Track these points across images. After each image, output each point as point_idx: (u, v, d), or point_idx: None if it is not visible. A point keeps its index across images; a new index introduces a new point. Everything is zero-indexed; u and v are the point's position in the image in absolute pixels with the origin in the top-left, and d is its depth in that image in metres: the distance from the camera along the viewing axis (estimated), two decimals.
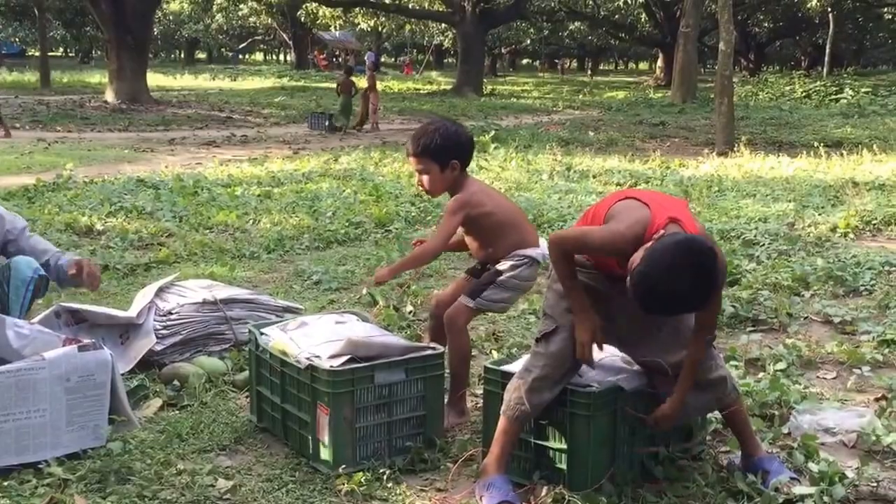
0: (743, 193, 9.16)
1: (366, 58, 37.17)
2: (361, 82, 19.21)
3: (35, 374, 3.15)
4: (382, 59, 36.13)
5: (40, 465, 3.11)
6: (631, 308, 2.78)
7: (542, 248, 3.60)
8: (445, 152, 3.58)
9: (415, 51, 60.61)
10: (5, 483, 3.00)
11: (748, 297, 5.21)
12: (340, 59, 56.98)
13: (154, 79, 25.64)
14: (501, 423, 3.01)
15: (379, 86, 20.21)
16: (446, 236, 3.62)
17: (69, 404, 3.21)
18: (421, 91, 29.58)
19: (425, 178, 3.63)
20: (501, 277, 3.57)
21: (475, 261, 3.80)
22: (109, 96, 21.35)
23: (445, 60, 62.93)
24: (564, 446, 3.03)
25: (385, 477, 3.13)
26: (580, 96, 30.15)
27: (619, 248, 2.81)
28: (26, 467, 3.11)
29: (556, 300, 3.05)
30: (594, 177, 10.53)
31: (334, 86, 19.13)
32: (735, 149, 13.28)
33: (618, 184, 10.04)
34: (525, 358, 3.25)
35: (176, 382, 3.90)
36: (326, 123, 16.48)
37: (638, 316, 2.85)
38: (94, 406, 3.28)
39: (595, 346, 2.99)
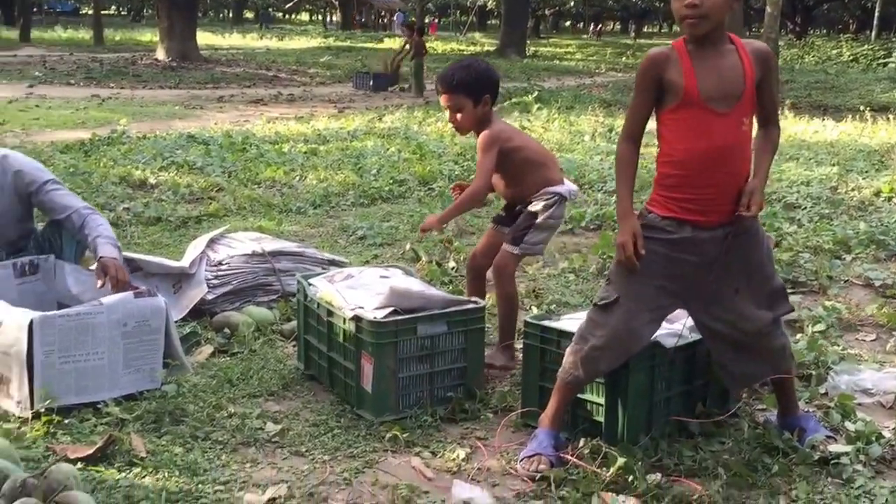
0: (786, 157, 9.02)
1: (394, 18, 36.72)
2: (395, 43, 19.05)
3: (94, 319, 3.24)
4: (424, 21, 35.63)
5: (99, 405, 3.20)
6: (712, 267, 2.77)
7: (567, 185, 3.58)
8: (479, 87, 3.61)
9: (458, 12, 60.05)
10: (66, 421, 3.10)
11: (788, 259, 5.16)
12: (385, 20, 56.65)
13: (203, 37, 25.70)
14: (557, 382, 3.01)
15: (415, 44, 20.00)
16: (488, 174, 3.60)
17: (126, 348, 3.30)
18: (464, 52, 29.35)
19: (458, 114, 3.64)
20: (538, 220, 3.57)
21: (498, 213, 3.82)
22: (160, 54, 21.49)
23: (489, 22, 62.33)
24: (602, 400, 3.05)
25: (426, 425, 3.19)
26: (623, 59, 29.74)
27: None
28: (86, 407, 3.20)
29: (617, 266, 2.90)
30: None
31: (390, 46, 18.87)
32: (779, 112, 13.03)
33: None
34: (570, 317, 3.27)
35: (226, 330, 3.98)
36: (371, 83, 16.37)
37: (718, 276, 2.83)
38: (150, 350, 3.36)
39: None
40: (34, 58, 20.69)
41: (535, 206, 3.59)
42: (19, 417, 3.13)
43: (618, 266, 2.90)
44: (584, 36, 42.63)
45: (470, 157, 7.98)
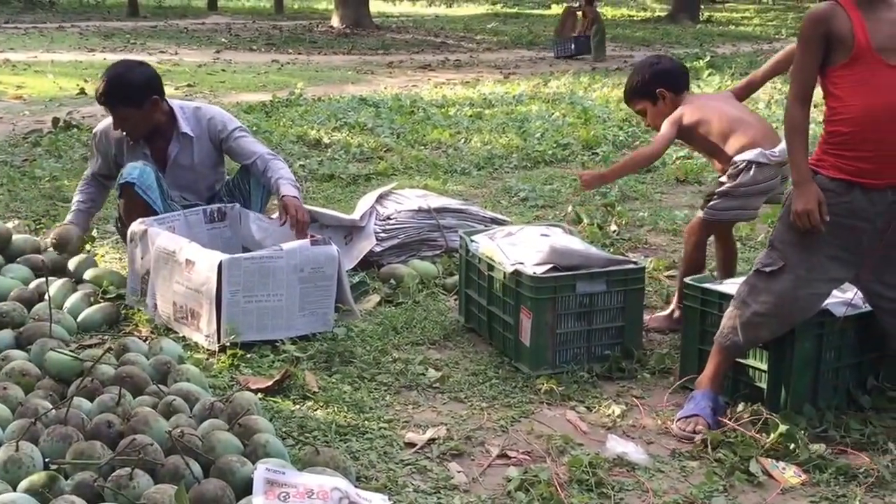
0: None
1: None
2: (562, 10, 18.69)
3: (274, 263, 3.45)
4: None
5: (276, 343, 3.42)
6: (884, 234, 2.70)
7: (759, 150, 3.45)
8: (647, 87, 3.64)
9: None
10: (248, 355, 3.33)
11: None
12: None
13: (375, 5, 26.19)
14: (714, 345, 2.98)
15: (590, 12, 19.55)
16: (663, 143, 3.60)
17: (302, 292, 3.50)
18: (634, 18, 28.61)
19: (648, 117, 3.71)
20: (722, 188, 3.51)
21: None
22: (335, 21, 22.10)
23: None
24: (765, 367, 2.99)
25: (582, 381, 3.23)
26: None
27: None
28: (265, 344, 3.43)
29: (785, 232, 2.81)
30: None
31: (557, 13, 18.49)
32: None
33: None
34: (732, 281, 3.21)
35: (392, 281, 4.13)
36: (572, 47, 16.09)
37: (888, 243, 2.74)
38: (323, 295, 3.55)
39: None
40: (220, 25, 21.73)
41: (723, 177, 3.53)
42: (207, 350, 3.39)
43: (789, 232, 2.80)
44: (764, 1, 40.49)
45: (635, 123, 7.85)
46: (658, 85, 3.62)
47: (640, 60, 3.83)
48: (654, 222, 5.28)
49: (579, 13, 16.58)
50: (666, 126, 3.57)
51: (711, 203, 3.54)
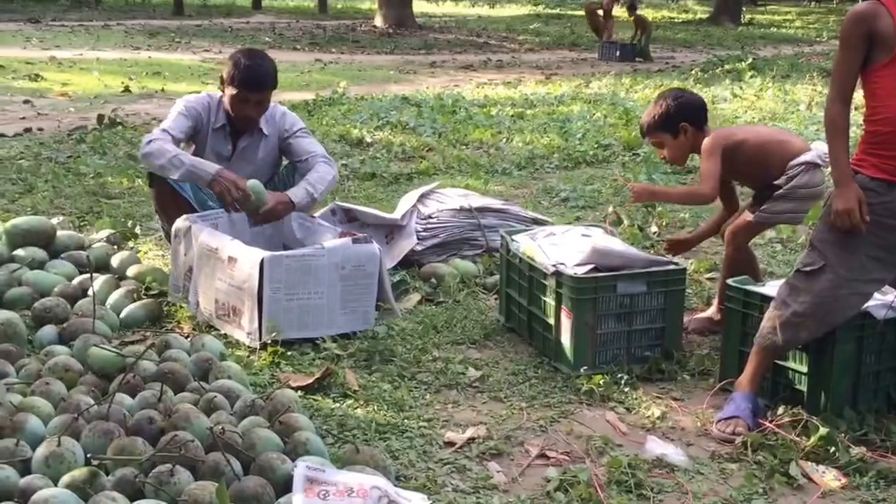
0: None
1: None
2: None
3: (316, 261, 3.45)
4: None
5: (317, 341, 3.42)
6: None
7: (814, 150, 3.40)
8: (670, 120, 3.56)
9: None
10: (289, 353, 3.34)
11: None
12: None
13: (418, 5, 26.22)
14: (754, 346, 2.94)
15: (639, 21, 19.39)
16: (712, 178, 3.47)
17: (343, 290, 3.50)
18: (675, 20, 28.34)
19: (665, 151, 3.64)
20: (779, 191, 3.44)
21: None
22: (378, 21, 22.17)
23: None
24: (805, 369, 2.94)
25: (622, 382, 3.19)
26: None
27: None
28: (306, 341, 3.43)
29: (825, 231, 2.79)
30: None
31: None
32: None
33: None
34: (774, 283, 3.15)
35: (433, 280, 4.12)
36: (617, 53, 16.03)
37: None
38: (364, 293, 3.55)
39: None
40: (264, 24, 21.89)
41: (780, 181, 3.46)
42: (249, 347, 3.41)
43: (829, 232, 2.77)
44: (805, 3, 39.92)
45: None
46: (682, 119, 3.56)
47: (662, 94, 3.72)
48: (694, 224, 5.19)
49: (600, 11, 16.49)
50: (708, 160, 3.48)
51: (765, 206, 3.48)
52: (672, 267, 3.40)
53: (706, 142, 3.52)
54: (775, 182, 3.45)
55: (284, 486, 2.26)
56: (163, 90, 10.53)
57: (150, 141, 3.82)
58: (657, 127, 3.61)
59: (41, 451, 2.31)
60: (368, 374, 3.23)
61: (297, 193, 3.82)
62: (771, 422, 2.84)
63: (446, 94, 10.29)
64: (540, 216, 4.86)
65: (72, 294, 3.65)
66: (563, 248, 3.47)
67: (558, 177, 6.48)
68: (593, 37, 17.53)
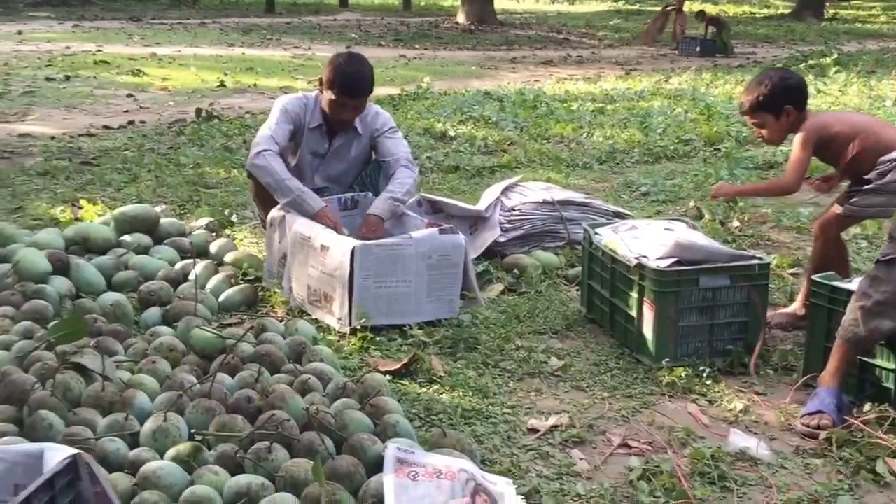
0: None
1: None
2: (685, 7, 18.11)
3: (404, 250, 3.49)
4: None
5: (404, 328, 3.45)
6: None
7: None
8: (775, 101, 3.47)
9: None
10: (377, 339, 3.38)
11: None
12: None
13: (500, 2, 26.12)
14: (837, 340, 2.87)
15: (713, 10, 18.96)
16: (801, 171, 3.42)
17: (430, 278, 3.52)
18: (756, 15, 27.59)
19: (764, 130, 3.56)
20: (870, 185, 3.34)
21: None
22: (460, 18, 22.18)
23: None
24: (892, 366, 2.84)
25: (704, 375, 3.14)
26: None
27: None
28: (393, 328, 3.47)
29: None
30: None
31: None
32: None
33: None
34: (860, 279, 3.06)
35: (515, 271, 4.12)
36: (697, 49, 15.72)
37: None
38: (450, 282, 3.57)
39: None
40: (350, 21, 22.11)
41: (871, 175, 3.36)
42: (339, 332, 3.46)
43: None
44: None
45: None
46: (786, 101, 3.47)
47: (766, 73, 3.63)
48: (777, 219, 5.08)
49: (669, 7, 16.17)
50: (799, 151, 3.41)
51: (854, 199, 3.38)
52: (756, 262, 3.32)
53: (800, 135, 3.44)
54: (866, 176, 3.34)
55: (375, 466, 2.29)
56: (255, 85, 10.74)
57: (261, 152, 3.87)
58: (760, 107, 3.52)
59: (149, 425, 2.39)
60: (453, 361, 3.25)
61: (382, 208, 3.84)
62: (856, 418, 2.76)
63: (527, 89, 10.24)
64: (621, 210, 4.80)
65: (174, 278, 3.76)
66: (645, 241, 3.42)
67: (638, 171, 6.39)
68: (671, 33, 17.21)
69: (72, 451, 1.59)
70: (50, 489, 1.54)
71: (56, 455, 1.60)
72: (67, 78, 10.64)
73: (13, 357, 2.77)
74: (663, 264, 3.23)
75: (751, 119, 3.59)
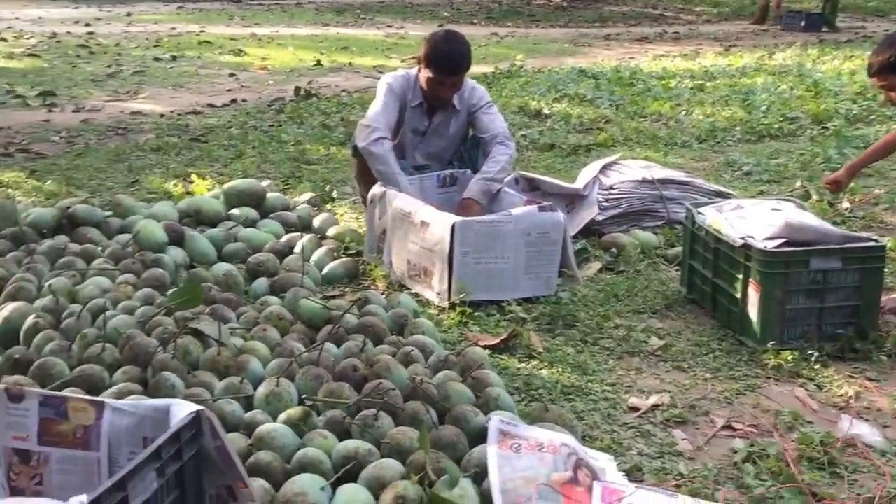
0: None
1: None
2: None
3: (503, 227, 3.50)
4: None
5: (503, 304, 3.47)
6: None
7: None
8: None
9: None
10: (476, 313, 3.41)
11: None
12: None
13: None
14: None
15: None
16: None
17: (528, 255, 3.52)
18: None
19: (893, 93, 3.47)
20: None
21: None
22: None
23: None
24: None
25: (813, 359, 3.06)
26: None
27: None
28: (492, 303, 3.49)
29: None
30: None
31: None
32: None
33: None
34: None
35: (613, 250, 4.08)
36: (802, 23, 15.20)
37: None
38: (548, 260, 3.56)
39: None
40: (443, 0, 22.12)
41: None
42: (438, 306, 3.50)
43: None
44: None
45: (871, 97, 7.28)
46: None
47: (894, 34, 3.52)
48: (891, 200, 4.89)
49: None
50: None
51: None
52: (871, 244, 3.21)
53: None
54: None
55: (476, 437, 2.32)
56: (350, 64, 10.87)
57: (379, 140, 3.91)
58: (890, 69, 3.43)
59: (262, 389, 2.48)
60: (552, 338, 3.25)
61: (476, 190, 3.87)
62: None
63: (623, 66, 10.08)
64: (724, 189, 4.70)
65: (280, 250, 3.86)
66: (751, 221, 3.34)
67: (741, 150, 6.23)
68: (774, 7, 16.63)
69: (196, 407, 1.66)
70: (176, 442, 1.62)
71: (181, 410, 1.67)
72: (174, 58, 10.99)
73: (137, 321, 2.91)
74: (771, 245, 3.15)
75: (878, 81, 3.49)
